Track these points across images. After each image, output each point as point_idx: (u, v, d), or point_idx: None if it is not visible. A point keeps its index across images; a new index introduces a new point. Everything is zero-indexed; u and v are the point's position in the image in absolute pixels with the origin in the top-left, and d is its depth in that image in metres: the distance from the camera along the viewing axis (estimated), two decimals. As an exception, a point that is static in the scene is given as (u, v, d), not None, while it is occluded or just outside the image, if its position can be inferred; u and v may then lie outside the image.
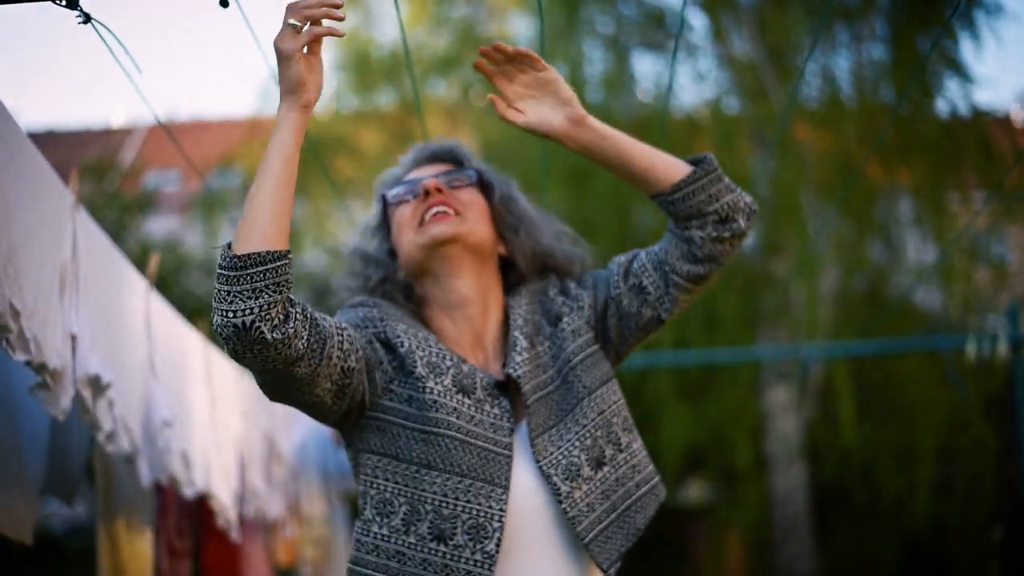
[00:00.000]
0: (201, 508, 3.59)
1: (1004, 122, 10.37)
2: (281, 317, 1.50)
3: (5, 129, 1.84)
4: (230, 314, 1.48)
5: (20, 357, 1.86)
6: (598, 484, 1.73)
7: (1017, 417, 5.47)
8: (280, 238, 1.52)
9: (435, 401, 1.70)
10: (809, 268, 10.17)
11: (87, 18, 1.80)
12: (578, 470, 1.72)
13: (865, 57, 10.64)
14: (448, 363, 1.74)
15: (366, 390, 1.70)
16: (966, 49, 12.47)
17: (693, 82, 11.60)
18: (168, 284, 12.32)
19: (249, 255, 1.49)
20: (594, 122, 1.80)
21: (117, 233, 13.14)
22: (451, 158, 1.95)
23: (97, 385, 2.20)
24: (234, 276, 1.49)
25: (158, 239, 14.30)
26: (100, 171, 14.92)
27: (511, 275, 1.94)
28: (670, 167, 1.81)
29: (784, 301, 10.82)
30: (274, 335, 1.49)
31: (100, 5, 1.81)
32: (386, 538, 1.67)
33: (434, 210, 1.81)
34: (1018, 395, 5.39)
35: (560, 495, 1.70)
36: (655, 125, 10.94)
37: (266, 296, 1.49)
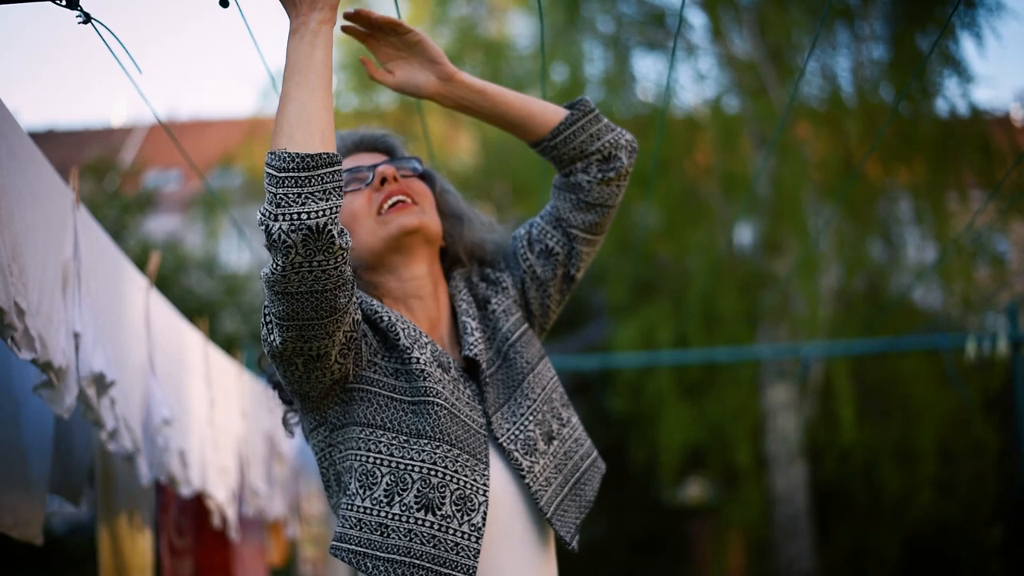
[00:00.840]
0: (201, 506, 3.59)
1: (1004, 121, 10.37)
2: (341, 225, 1.48)
3: (6, 128, 1.85)
4: (303, 216, 1.42)
5: (26, 355, 1.86)
6: (551, 458, 1.74)
7: (1017, 416, 5.46)
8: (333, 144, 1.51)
9: (423, 370, 1.65)
10: (809, 267, 10.18)
11: (87, 18, 1.80)
12: (534, 444, 1.72)
13: (865, 56, 10.64)
14: (425, 339, 1.72)
15: (359, 355, 1.65)
16: (966, 48, 12.48)
17: (693, 81, 11.62)
18: (168, 283, 12.33)
19: (319, 155, 1.44)
20: (466, 77, 1.79)
21: (117, 232, 13.15)
22: (384, 148, 1.91)
23: (101, 383, 2.20)
24: (304, 177, 1.43)
25: (158, 238, 14.31)
26: (100, 170, 14.91)
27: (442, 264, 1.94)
28: (548, 112, 1.83)
29: (784, 300, 10.83)
30: (340, 241, 1.45)
31: (100, 5, 1.82)
32: (368, 511, 1.60)
33: (394, 199, 1.77)
34: (1018, 394, 5.38)
35: (523, 470, 1.70)
36: (655, 124, 10.95)
37: (334, 199, 1.45)
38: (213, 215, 15.34)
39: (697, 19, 11.01)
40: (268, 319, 1.54)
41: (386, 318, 1.69)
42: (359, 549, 1.58)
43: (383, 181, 1.79)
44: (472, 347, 1.75)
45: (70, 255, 2.13)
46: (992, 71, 20.55)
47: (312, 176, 1.44)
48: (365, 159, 1.84)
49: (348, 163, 1.84)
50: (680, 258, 11.46)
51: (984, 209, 9.09)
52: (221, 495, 3.33)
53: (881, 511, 10.70)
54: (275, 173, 1.44)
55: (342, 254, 1.47)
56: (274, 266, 1.45)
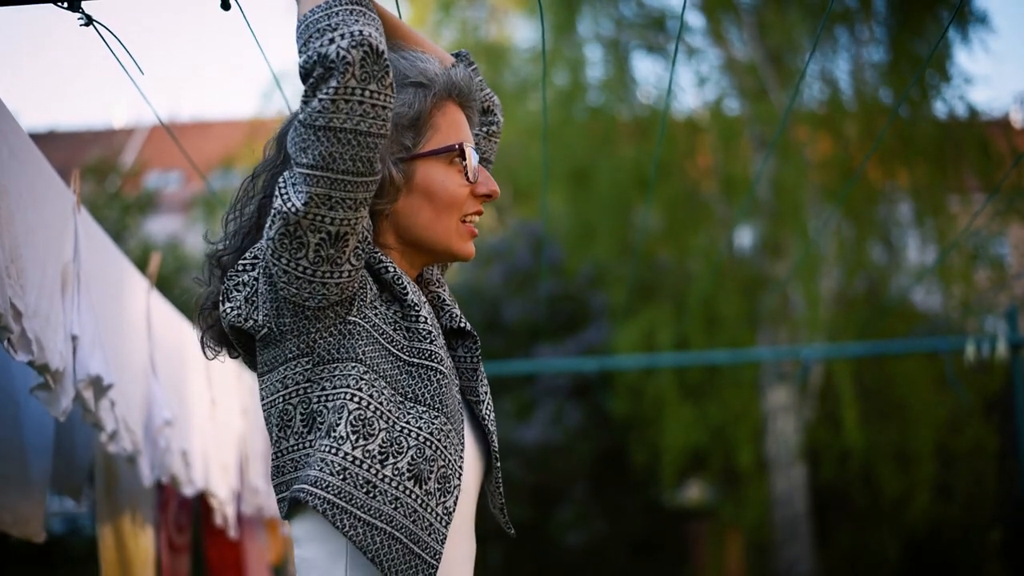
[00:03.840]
0: (201, 504, 3.61)
1: (1003, 124, 10.38)
2: None
3: (7, 129, 1.86)
4: (365, 32, 1.39)
5: (22, 358, 1.87)
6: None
7: (1016, 418, 5.47)
8: None
9: (430, 331, 1.56)
10: (809, 269, 10.18)
11: (89, 20, 1.82)
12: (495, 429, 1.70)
13: (864, 59, 10.66)
14: (425, 303, 1.62)
15: (364, 289, 1.54)
16: (963, 53, 12.51)
17: (694, 84, 11.63)
18: (169, 284, 12.34)
19: None
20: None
21: (118, 234, 13.17)
22: (469, 109, 1.73)
23: (98, 386, 2.21)
24: (358, 9, 1.42)
25: (159, 240, 14.33)
26: (102, 172, 14.95)
27: None
28: (437, 52, 1.78)
29: (784, 302, 10.83)
30: (391, 79, 1.42)
31: (102, 7, 1.83)
32: (358, 462, 1.46)
33: (475, 221, 1.68)
34: (1017, 396, 5.39)
35: (497, 455, 1.67)
36: (656, 127, 10.97)
37: (382, 31, 1.44)
38: (214, 216, 15.36)
39: (697, 22, 11.03)
40: (292, 180, 1.44)
41: (392, 268, 1.58)
42: (338, 501, 1.45)
43: (488, 196, 1.68)
44: (462, 321, 1.71)
45: (70, 257, 2.14)
46: (991, 74, 20.57)
47: (365, 11, 1.43)
48: (458, 116, 1.67)
49: (445, 111, 1.65)
50: (681, 260, 11.47)
51: (983, 211, 9.10)
52: (223, 493, 3.34)
53: (880, 513, 10.70)
54: (323, 12, 1.41)
55: (390, 95, 1.42)
56: (324, 94, 1.38)
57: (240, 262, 1.58)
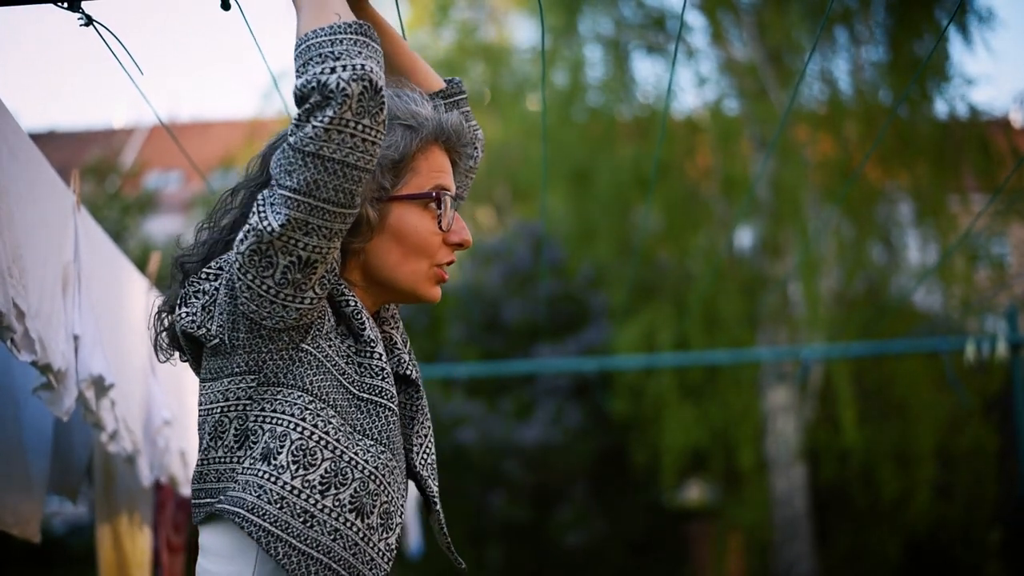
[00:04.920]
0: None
1: (1003, 123, 10.38)
2: None
3: (7, 130, 1.86)
4: (366, 67, 1.40)
5: (25, 358, 1.87)
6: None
7: (1016, 418, 5.47)
8: None
9: (383, 368, 1.57)
10: (809, 269, 10.19)
11: (89, 20, 1.82)
12: (435, 471, 1.71)
13: (864, 59, 10.66)
14: (380, 340, 1.61)
15: (323, 319, 1.54)
16: (963, 53, 12.49)
17: (693, 84, 11.64)
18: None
19: (371, 29, 1.45)
20: (369, 5, 1.76)
21: (118, 234, 13.17)
22: (454, 155, 1.74)
23: (100, 385, 2.21)
24: (363, 40, 1.43)
25: (159, 240, 14.32)
26: (102, 172, 14.95)
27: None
28: (431, 74, 1.80)
29: (784, 302, 10.84)
30: (384, 116, 1.43)
31: (102, 7, 1.83)
32: (297, 491, 1.46)
33: (446, 268, 1.67)
34: (1017, 396, 5.39)
35: (435, 497, 1.68)
36: (656, 127, 10.97)
37: (383, 65, 1.45)
38: (214, 217, 15.32)
39: (697, 22, 11.03)
40: (272, 199, 1.43)
41: (353, 303, 1.58)
42: (274, 530, 1.45)
43: (459, 245, 1.67)
44: (411, 367, 1.70)
45: (71, 257, 2.14)
46: (991, 73, 20.56)
47: (369, 43, 1.44)
48: (442, 161, 1.67)
49: (429, 155, 1.64)
50: (681, 260, 11.48)
51: (985, 211, 9.10)
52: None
53: (880, 513, 10.70)
54: (328, 37, 1.42)
55: (381, 131, 1.44)
56: (318, 122, 1.39)
57: (204, 270, 1.58)
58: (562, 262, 11.87)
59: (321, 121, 1.38)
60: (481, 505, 11.53)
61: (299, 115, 1.41)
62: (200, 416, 1.58)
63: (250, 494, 1.47)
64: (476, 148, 1.81)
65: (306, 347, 1.52)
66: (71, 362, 2.06)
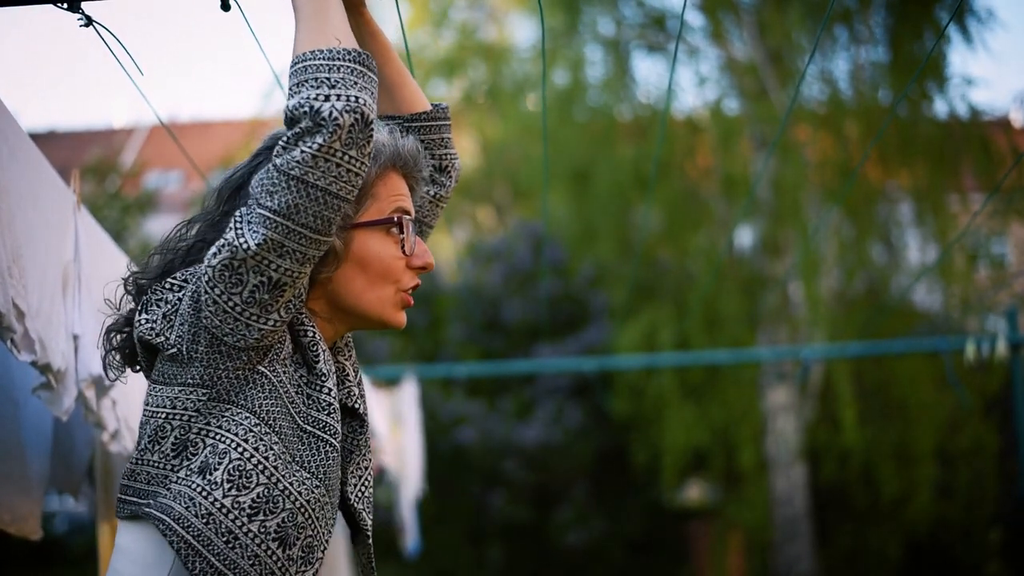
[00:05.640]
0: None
1: (1003, 123, 10.39)
2: None
3: (7, 130, 1.86)
4: (360, 100, 1.42)
5: (25, 358, 1.87)
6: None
7: (1016, 418, 5.47)
8: None
9: (330, 404, 1.58)
10: (809, 269, 10.19)
11: (89, 21, 1.82)
12: (371, 503, 1.73)
13: (864, 59, 10.66)
14: (333, 374, 1.62)
15: (282, 345, 1.55)
16: (963, 53, 12.53)
17: (694, 84, 11.64)
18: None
19: (372, 58, 1.47)
20: (367, 12, 1.75)
21: (119, 233, 13.17)
22: (412, 179, 1.72)
23: (100, 385, 2.21)
24: (359, 71, 1.44)
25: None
26: (102, 171, 14.95)
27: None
28: (418, 92, 1.81)
29: (784, 302, 10.84)
30: (371, 149, 1.45)
31: (102, 7, 1.83)
32: (225, 511, 1.46)
33: (409, 294, 1.67)
34: (1017, 396, 5.40)
35: (368, 529, 1.68)
36: (656, 127, 10.97)
37: (376, 96, 1.47)
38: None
39: (697, 22, 11.03)
40: (250, 217, 1.44)
41: (311, 333, 1.59)
42: (195, 544, 1.45)
43: (422, 268, 1.66)
44: (359, 401, 1.70)
45: (71, 256, 2.14)
46: (990, 73, 20.58)
47: (366, 73, 1.45)
48: (400, 186, 1.67)
49: (387, 180, 1.65)
50: (681, 260, 11.48)
51: (984, 210, 9.10)
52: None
53: (881, 513, 10.70)
54: (326, 61, 1.43)
55: (366, 163, 1.45)
56: (307, 147, 1.40)
57: (168, 279, 1.57)
58: (562, 262, 11.88)
59: (310, 147, 1.39)
60: (481, 505, 11.53)
61: (288, 137, 1.41)
62: (144, 416, 1.57)
63: (180, 504, 1.47)
64: (450, 175, 1.81)
65: (262, 369, 1.52)
66: (71, 362, 2.06)
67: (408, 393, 7.06)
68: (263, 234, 1.42)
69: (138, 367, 1.67)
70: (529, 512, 11.43)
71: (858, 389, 10.34)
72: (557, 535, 11.40)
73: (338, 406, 1.59)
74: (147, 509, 1.49)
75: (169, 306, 1.55)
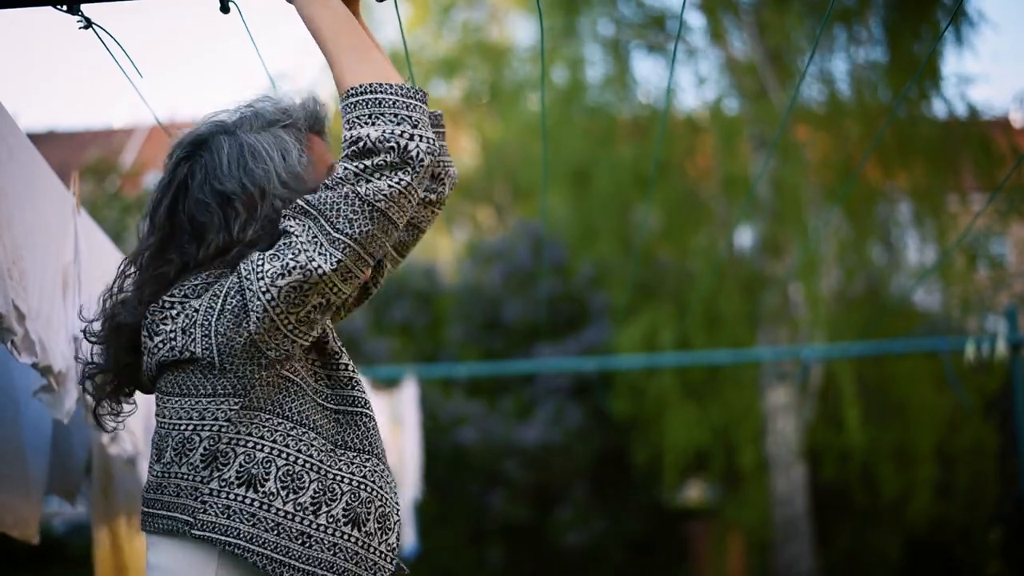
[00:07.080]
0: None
1: (1002, 123, 10.38)
2: None
3: (6, 131, 1.86)
4: (435, 145, 1.50)
5: (26, 360, 1.87)
6: None
7: (1016, 418, 5.47)
8: None
9: (351, 378, 1.62)
10: (809, 269, 10.18)
11: (88, 23, 1.81)
12: None
13: (864, 59, 10.66)
14: (344, 350, 1.67)
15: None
16: (963, 53, 12.50)
17: (693, 84, 11.63)
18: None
19: (426, 96, 1.53)
20: (359, 15, 1.73)
21: (118, 234, 13.15)
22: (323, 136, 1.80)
23: (99, 386, 2.21)
24: (426, 110, 1.52)
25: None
26: (101, 172, 14.92)
27: None
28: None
29: (784, 302, 10.83)
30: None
31: (101, 9, 1.83)
32: (291, 516, 1.50)
33: None
34: (1017, 396, 5.39)
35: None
36: (655, 127, 10.96)
37: None
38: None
39: (697, 22, 11.03)
40: (323, 239, 1.45)
41: None
42: (275, 556, 1.49)
43: None
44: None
45: (71, 258, 2.14)
46: (989, 72, 20.57)
47: (428, 113, 1.53)
48: (320, 145, 1.71)
49: (312, 144, 1.69)
50: (681, 260, 11.47)
51: (984, 210, 9.11)
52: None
53: (881, 513, 10.70)
54: (403, 99, 1.48)
55: (417, 203, 1.55)
56: (394, 183, 1.44)
57: (166, 298, 1.55)
58: (562, 262, 11.87)
59: (397, 183, 1.44)
60: (481, 505, 11.52)
61: (366, 164, 1.44)
62: (161, 429, 1.57)
63: (243, 523, 1.49)
64: (444, 184, 1.83)
65: (285, 372, 1.56)
66: (71, 364, 2.06)
67: (408, 395, 7.07)
68: (339, 259, 1.46)
69: (131, 402, 1.68)
70: (529, 512, 11.42)
71: (858, 389, 10.32)
72: (557, 535, 11.40)
73: (360, 377, 1.64)
74: (196, 531, 1.50)
75: (185, 319, 1.54)
